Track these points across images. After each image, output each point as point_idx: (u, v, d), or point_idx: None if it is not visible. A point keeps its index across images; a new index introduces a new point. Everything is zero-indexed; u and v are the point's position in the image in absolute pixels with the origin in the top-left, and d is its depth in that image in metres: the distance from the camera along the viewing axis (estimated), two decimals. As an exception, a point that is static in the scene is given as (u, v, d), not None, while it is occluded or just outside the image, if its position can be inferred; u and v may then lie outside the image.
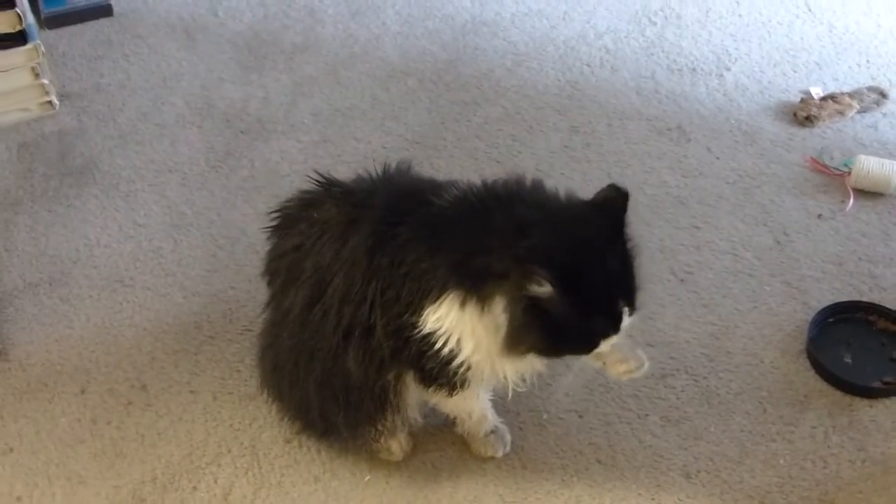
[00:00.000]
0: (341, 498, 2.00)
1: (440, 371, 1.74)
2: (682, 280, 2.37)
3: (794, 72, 2.94)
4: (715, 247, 2.45)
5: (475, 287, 1.64)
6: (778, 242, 2.46)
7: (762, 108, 2.83)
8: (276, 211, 1.91)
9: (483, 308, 1.64)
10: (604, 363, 1.82)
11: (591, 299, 1.63)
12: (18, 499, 2.02)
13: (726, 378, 2.17)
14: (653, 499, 1.98)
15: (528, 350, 1.67)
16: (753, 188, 2.60)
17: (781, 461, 2.03)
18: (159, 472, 2.05)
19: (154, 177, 2.68)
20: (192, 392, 2.18)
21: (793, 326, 2.27)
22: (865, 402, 2.13)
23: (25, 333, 2.31)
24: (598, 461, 2.04)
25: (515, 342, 1.65)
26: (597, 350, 1.70)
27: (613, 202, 1.66)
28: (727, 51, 3.02)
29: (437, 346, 1.69)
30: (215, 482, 2.03)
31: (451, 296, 1.65)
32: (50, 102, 2.86)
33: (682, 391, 2.15)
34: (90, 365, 2.24)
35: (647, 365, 1.82)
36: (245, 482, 2.02)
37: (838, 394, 2.14)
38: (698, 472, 2.02)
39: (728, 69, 2.96)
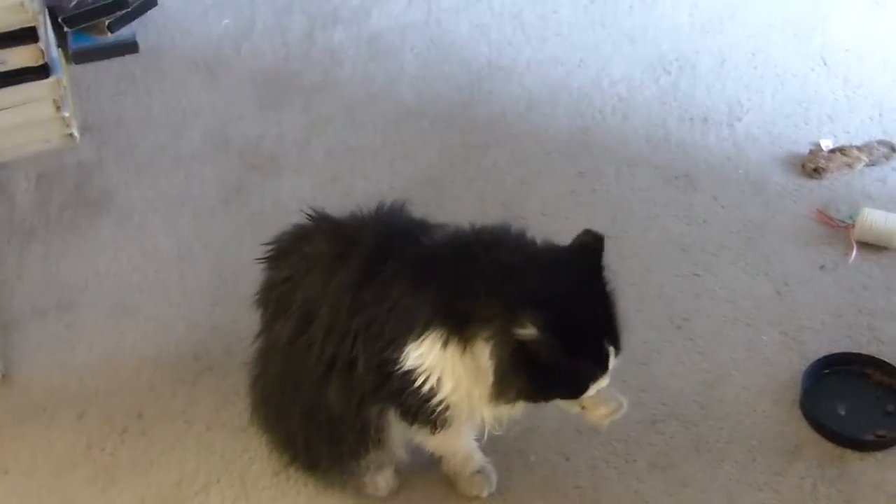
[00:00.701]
0: (326, 531, 2.02)
1: (420, 408, 1.76)
2: (678, 327, 2.38)
3: (806, 124, 2.95)
4: (714, 295, 2.45)
5: (458, 328, 1.66)
6: (778, 292, 2.46)
7: (771, 158, 2.84)
8: (270, 243, 1.95)
9: (465, 349, 1.66)
10: (583, 407, 1.83)
11: (579, 341, 1.65)
12: (10, 520, 2.06)
13: (717, 426, 2.17)
14: (635, 544, 1.98)
15: (517, 396, 1.69)
16: (757, 238, 2.60)
17: (767, 511, 2.02)
18: (148, 499, 2.08)
19: (166, 209, 2.73)
20: (186, 422, 2.22)
21: (788, 376, 2.26)
22: (857, 454, 2.12)
23: (29, 358, 2.36)
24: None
25: (504, 388, 1.67)
26: (586, 394, 1.72)
27: (590, 246, 1.69)
28: (740, 101, 3.03)
29: (418, 383, 1.71)
30: (203, 511, 2.05)
31: (434, 334, 1.67)
32: (71, 135, 2.93)
33: (672, 437, 2.15)
34: (90, 391, 2.29)
35: (625, 405, 1.83)
36: (232, 512, 2.05)
37: (829, 445, 2.13)
38: (683, 519, 2.02)
39: (739, 119, 2.97)
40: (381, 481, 2.04)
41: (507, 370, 1.63)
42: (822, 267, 2.52)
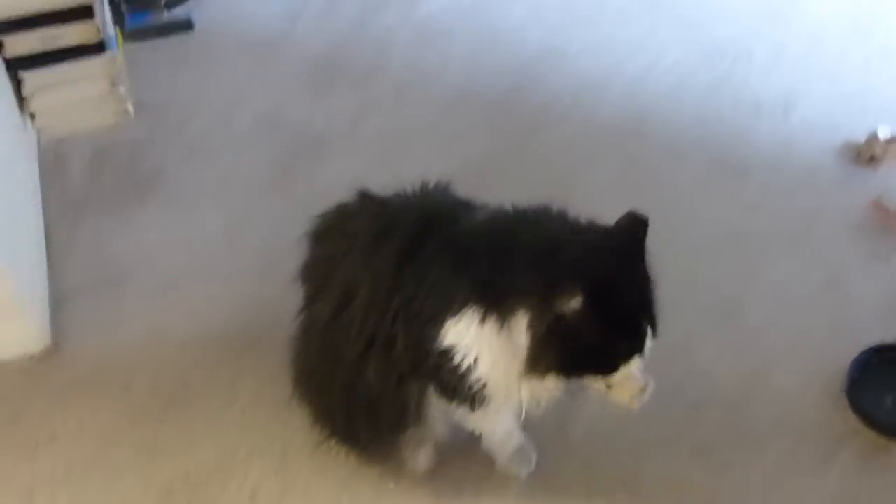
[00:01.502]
0: (365, 505, 2.03)
1: (458, 386, 1.75)
2: (725, 314, 2.36)
3: (863, 112, 2.90)
4: (763, 283, 2.43)
5: (496, 304, 1.65)
6: (829, 282, 2.42)
7: (826, 147, 2.79)
8: (314, 220, 1.96)
9: (503, 325, 1.65)
10: (609, 387, 1.81)
11: (618, 319, 1.64)
12: (58, 485, 2.10)
13: (761, 413, 2.15)
14: (674, 527, 1.97)
15: (550, 370, 1.67)
16: (809, 227, 2.57)
17: (809, 499, 2.00)
18: (192, 469, 2.11)
19: (216, 188, 2.76)
20: (231, 395, 2.24)
21: (835, 366, 2.23)
22: (903, 446, 2.09)
23: (80, 330, 2.40)
24: (623, 486, 2.04)
25: (537, 361, 1.65)
26: (617, 373, 1.71)
27: (633, 227, 1.68)
28: (796, 89, 2.99)
29: (455, 361, 1.71)
30: (245, 482, 2.08)
31: (472, 311, 1.67)
32: (126, 112, 2.97)
33: (715, 423, 2.14)
34: (137, 363, 2.32)
35: (651, 386, 1.81)
36: (273, 484, 2.07)
37: (875, 436, 2.11)
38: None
39: (795, 107, 2.93)
40: (421, 457, 2.04)
41: (543, 344, 1.62)
42: (874, 257, 2.48)
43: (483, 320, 1.66)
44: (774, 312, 2.35)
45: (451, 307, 1.69)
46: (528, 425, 2.06)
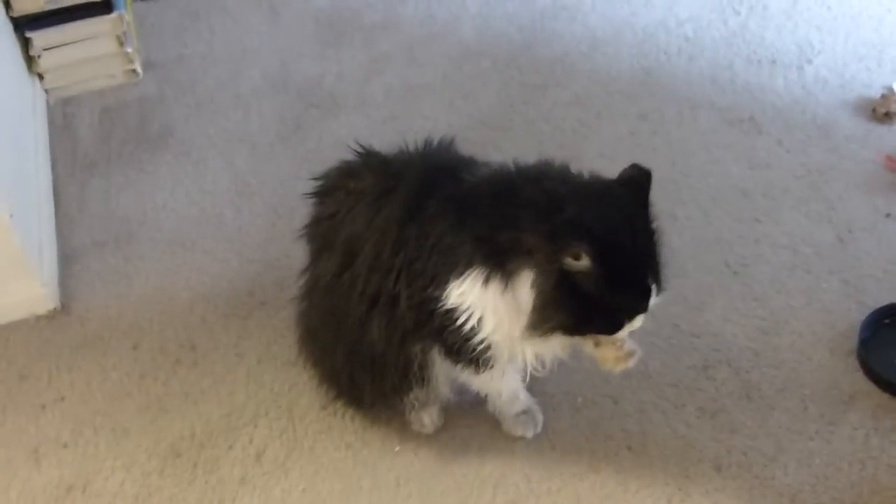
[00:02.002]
0: (370, 466, 2.03)
1: (462, 347, 1.75)
2: (735, 272, 2.33)
3: (879, 67, 2.85)
4: (774, 241, 2.40)
5: (500, 263, 1.64)
6: (841, 240, 2.39)
7: (841, 102, 2.75)
8: (318, 179, 1.95)
9: (507, 285, 1.64)
10: (597, 345, 1.79)
11: (624, 275, 1.62)
12: (64, 445, 2.11)
13: (770, 373, 2.13)
14: (680, 489, 1.96)
15: (554, 328, 1.65)
16: (821, 183, 2.53)
17: (817, 460, 1.99)
18: (198, 429, 2.11)
19: (225, 146, 2.75)
20: (237, 355, 2.24)
21: (846, 326, 2.21)
22: (914, 406, 2.07)
23: (87, 289, 2.41)
24: (629, 448, 2.03)
25: (542, 319, 1.64)
26: (622, 331, 1.69)
27: (637, 181, 1.65)
28: (811, 43, 2.94)
29: (459, 321, 1.70)
30: (250, 443, 2.08)
31: (476, 272, 1.65)
32: (134, 71, 2.96)
33: (723, 384, 2.12)
34: (144, 323, 2.32)
35: (639, 353, 1.81)
36: (278, 445, 2.07)
37: (885, 397, 2.08)
38: (730, 465, 1.99)
39: (810, 62, 2.88)
40: (427, 418, 2.04)
41: (548, 301, 1.60)
42: (887, 215, 2.44)
43: (487, 281, 1.65)
44: (784, 271, 2.33)
45: (454, 267, 1.67)
46: (535, 387, 2.06)
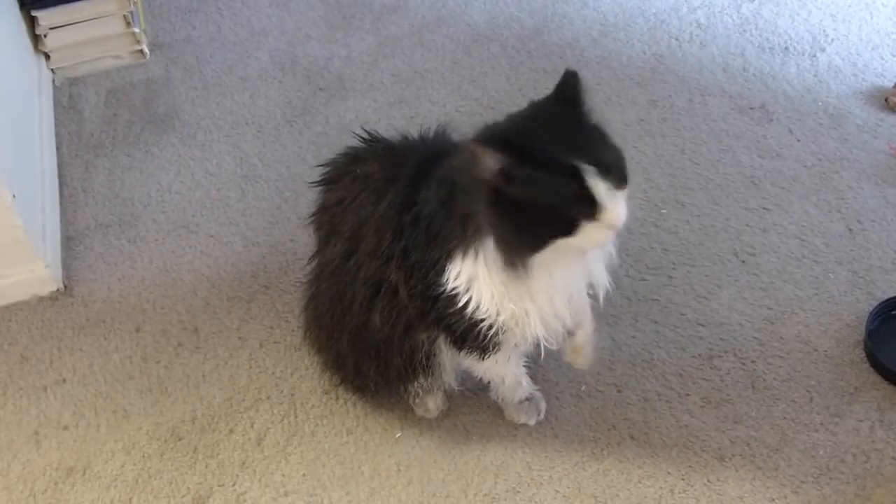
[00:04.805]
0: (371, 452, 2.02)
1: (468, 332, 1.73)
2: (743, 261, 2.31)
3: (893, 56, 2.82)
4: (782, 230, 2.37)
5: (467, 233, 1.61)
6: (850, 230, 2.37)
7: (853, 91, 2.72)
8: (324, 165, 1.93)
9: (477, 250, 1.61)
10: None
11: (544, 166, 1.51)
12: (65, 427, 2.11)
13: (775, 364, 2.11)
14: (682, 478, 1.94)
15: (519, 250, 1.58)
16: (832, 173, 2.50)
17: (821, 452, 1.97)
18: (200, 412, 2.10)
19: (231, 128, 2.73)
20: (240, 338, 2.23)
21: (853, 317, 2.19)
22: (920, 399, 2.05)
23: (91, 271, 2.39)
24: (632, 437, 2.01)
25: (506, 251, 1.59)
26: (581, 228, 1.55)
27: (565, 84, 1.61)
28: (824, 31, 2.91)
29: (460, 304, 1.68)
30: (251, 427, 2.07)
31: (463, 248, 1.63)
32: (141, 51, 2.94)
33: (728, 374, 2.10)
34: (147, 305, 2.31)
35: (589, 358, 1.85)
36: (280, 429, 2.06)
37: (891, 388, 2.06)
38: (733, 455, 1.97)
39: (823, 50, 2.85)
40: (432, 403, 2.03)
41: (498, 228, 1.55)
42: (898, 205, 2.42)
43: (465, 255, 1.63)
44: (792, 261, 2.31)
45: (447, 249, 1.65)
46: (538, 375, 2.05)
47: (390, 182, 1.77)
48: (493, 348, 1.78)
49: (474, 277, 1.64)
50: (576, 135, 1.57)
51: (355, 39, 3.00)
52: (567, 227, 1.55)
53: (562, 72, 1.64)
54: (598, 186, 1.50)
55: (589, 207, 1.52)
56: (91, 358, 2.22)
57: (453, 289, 1.67)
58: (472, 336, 1.74)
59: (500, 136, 1.53)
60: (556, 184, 1.51)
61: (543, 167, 1.50)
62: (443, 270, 1.66)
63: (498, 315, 1.69)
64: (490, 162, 1.49)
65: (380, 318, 1.79)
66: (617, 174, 1.53)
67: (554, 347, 1.82)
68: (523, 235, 1.57)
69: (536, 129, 1.56)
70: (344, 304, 1.85)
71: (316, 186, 1.94)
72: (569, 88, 1.60)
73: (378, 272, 1.75)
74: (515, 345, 1.79)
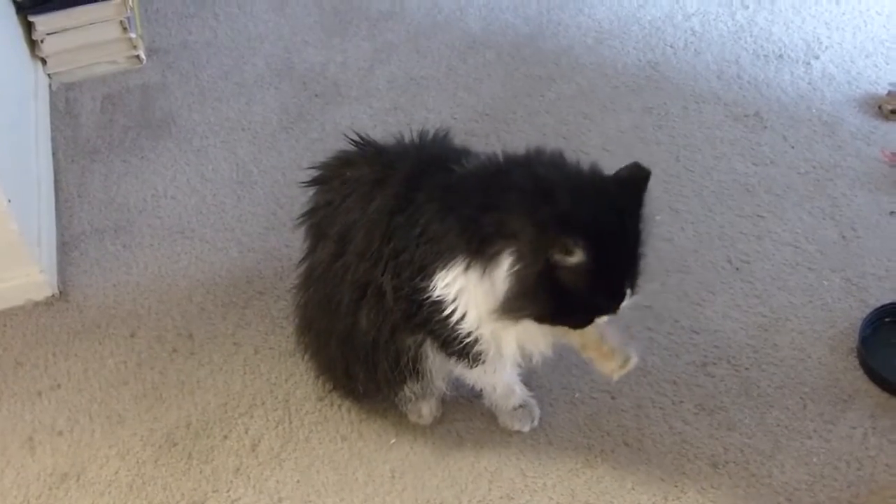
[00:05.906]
0: (365, 458, 2.02)
1: (451, 339, 1.73)
2: (737, 269, 2.32)
3: (887, 64, 2.83)
4: (776, 237, 2.38)
5: (481, 249, 1.61)
6: (843, 237, 2.37)
7: (847, 99, 2.73)
8: (315, 168, 1.94)
9: (485, 270, 1.61)
10: (592, 357, 1.80)
11: (608, 276, 1.60)
12: (60, 433, 2.11)
13: (769, 371, 2.12)
14: (676, 485, 1.95)
15: (526, 316, 1.63)
16: (825, 180, 2.51)
17: (815, 459, 1.97)
18: (194, 418, 2.11)
19: (227, 134, 2.74)
20: (235, 344, 2.24)
21: (846, 324, 2.19)
22: (913, 406, 2.06)
23: (86, 276, 2.40)
24: (625, 443, 2.02)
25: (515, 305, 1.61)
26: (589, 326, 1.69)
27: (634, 180, 1.63)
28: (818, 39, 2.92)
29: (445, 313, 1.69)
30: (246, 433, 2.08)
31: (459, 260, 1.63)
32: (137, 57, 2.95)
33: (722, 381, 2.11)
34: (142, 311, 2.32)
35: (634, 360, 1.80)
36: (274, 435, 2.07)
37: (885, 396, 2.07)
38: (726, 462, 1.98)
39: (817, 57, 2.86)
40: (425, 409, 2.03)
41: (526, 289, 1.58)
42: (891, 213, 2.42)
43: (467, 269, 1.63)
44: (786, 269, 2.31)
45: (440, 257, 1.66)
46: (532, 381, 2.06)
47: (379, 185, 1.77)
48: (478, 358, 1.78)
49: (464, 290, 1.65)
50: (635, 249, 1.64)
51: (351, 46, 3.00)
52: (581, 323, 1.67)
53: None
54: (625, 302, 1.63)
55: (611, 310, 1.64)
56: (86, 363, 2.22)
57: (440, 296, 1.67)
58: (456, 343, 1.74)
59: (582, 223, 1.56)
60: (603, 297, 1.63)
61: (605, 280, 1.60)
62: (431, 275, 1.66)
63: (478, 329, 1.70)
64: (572, 252, 1.53)
65: (366, 320, 1.79)
66: (636, 287, 1.65)
67: (524, 369, 1.87)
68: (540, 307, 1.61)
69: (611, 229, 1.60)
70: (333, 306, 1.85)
71: (306, 187, 1.94)
72: (637, 186, 1.64)
73: (366, 274, 1.76)
74: (501, 356, 1.80)
